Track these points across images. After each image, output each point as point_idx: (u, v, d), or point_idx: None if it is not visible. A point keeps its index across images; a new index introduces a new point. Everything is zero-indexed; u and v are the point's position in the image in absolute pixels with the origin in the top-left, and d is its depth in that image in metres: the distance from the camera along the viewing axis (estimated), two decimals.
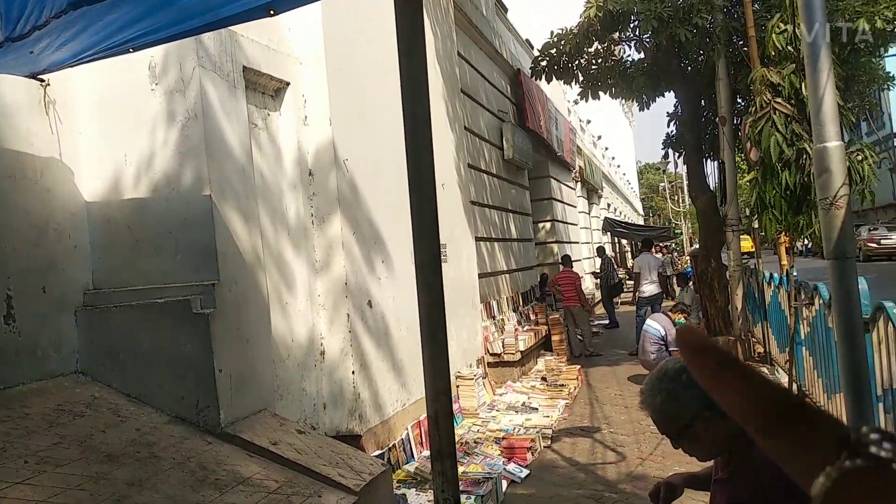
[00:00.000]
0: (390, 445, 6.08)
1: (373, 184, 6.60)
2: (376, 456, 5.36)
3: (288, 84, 5.81)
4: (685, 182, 37.77)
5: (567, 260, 13.52)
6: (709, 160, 12.22)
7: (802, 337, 7.03)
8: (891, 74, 12.36)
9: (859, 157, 5.95)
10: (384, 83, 7.21)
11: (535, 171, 15.13)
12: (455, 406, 7.69)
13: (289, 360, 5.68)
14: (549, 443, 6.82)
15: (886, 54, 10.32)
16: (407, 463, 6.20)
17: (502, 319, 10.69)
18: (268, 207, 5.57)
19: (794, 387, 7.04)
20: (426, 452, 6.46)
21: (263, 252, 5.17)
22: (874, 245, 25.97)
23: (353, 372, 5.81)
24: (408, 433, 6.46)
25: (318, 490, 4.03)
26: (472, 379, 7.89)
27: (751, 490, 2.03)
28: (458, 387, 7.91)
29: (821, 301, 6.05)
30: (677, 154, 13.81)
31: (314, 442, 4.73)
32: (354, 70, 6.56)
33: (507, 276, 11.78)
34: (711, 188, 11.53)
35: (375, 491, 4.43)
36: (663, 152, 13.88)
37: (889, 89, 13.62)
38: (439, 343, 1.02)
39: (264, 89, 5.73)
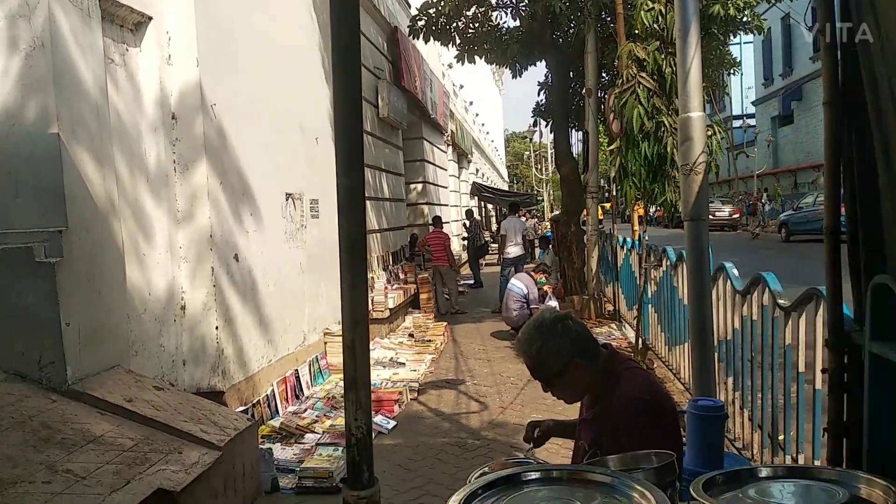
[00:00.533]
0: (254, 402, 5.92)
1: (244, 131, 6.25)
2: (240, 412, 5.20)
3: (150, 18, 5.31)
4: (550, 151, 39.45)
5: (437, 221, 13.74)
6: (574, 130, 12.82)
7: (650, 296, 7.67)
8: (737, 60, 13.55)
9: (709, 132, 6.49)
10: (258, 24, 6.79)
11: (408, 131, 15.07)
12: (322, 362, 7.61)
13: (145, 315, 5.32)
14: (416, 395, 7.00)
15: (733, 41, 11.26)
16: (272, 418, 6.08)
17: (372, 278, 10.68)
18: (125, 151, 5.11)
19: (640, 341, 7.69)
20: (292, 408, 6.38)
21: (119, 198, 4.74)
22: (710, 217, 28.88)
23: (216, 328, 5.56)
24: (273, 389, 6.32)
25: (178, 447, 3.84)
26: (341, 336, 7.84)
27: (613, 429, 2.21)
28: (325, 343, 7.83)
29: (668, 262, 6.60)
30: (546, 123, 14.35)
31: (173, 398, 4.49)
32: (226, 8, 6.11)
33: (379, 235, 11.75)
34: (575, 157, 12.13)
35: (241, 446, 4.30)
36: (532, 120, 14.35)
37: (733, 74, 14.92)
38: (358, 271, 0.98)
39: (123, 22, 5.19)
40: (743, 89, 44.66)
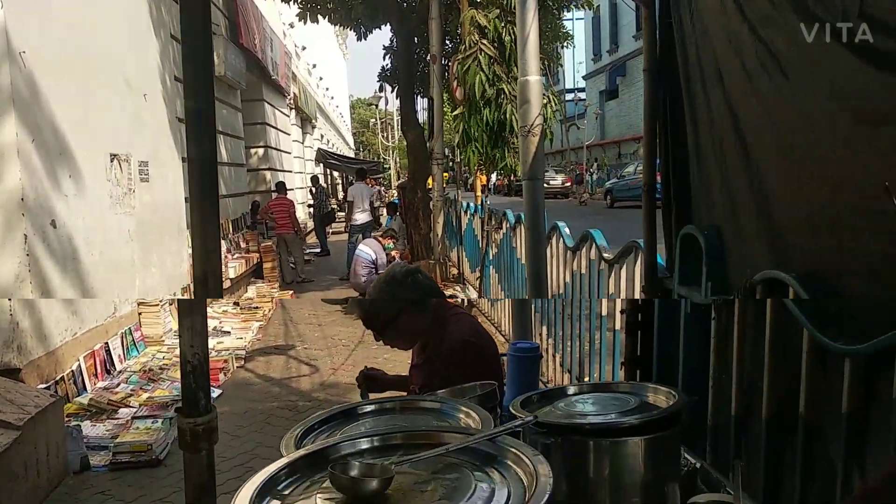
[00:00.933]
0: (58, 378, 5.39)
1: (60, 84, 5.59)
2: (42, 389, 4.76)
3: None
4: (396, 118, 39.44)
5: (281, 187, 13.29)
6: (420, 97, 12.93)
7: (491, 257, 8.04)
8: (570, 34, 14.34)
9: (544, 101, 6.86)
10: None
11: (248, 92, 14.32)
12: (137, 334, 7.12)
13: None
14: (243, 363, 6.85)
15: (566, 16, 11.86)
16: (79, 395, 5.60)
17: None
18: None
19: (481, 298, 8.07)
20: (102, 383, 5.92)
21: None
22: (545, 185, 30.79)
23: (9, 299, 4.97)
24: (80, 364, 5.79)
25: None
26: (157, 306, 7.41)
27: (443, 369, 2.32)
28: (140, 314, 7.33)
29: (507, 224, 6.95)
30: (391, 88, 14.30)
31: None
32: None
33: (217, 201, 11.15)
34: (421, 124, 12.25)
35: (43, 425, 3.97)
36: (378, 85, 14.25)
37: (566, 48, 15.78)
38: (211, 202, 0.94)
39: None
40: (574, 64, 47.48)
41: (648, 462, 1.29)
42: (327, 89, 37.08)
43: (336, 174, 33.51)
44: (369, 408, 1.34)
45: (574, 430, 1.28)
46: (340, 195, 30.55)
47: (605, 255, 4.08)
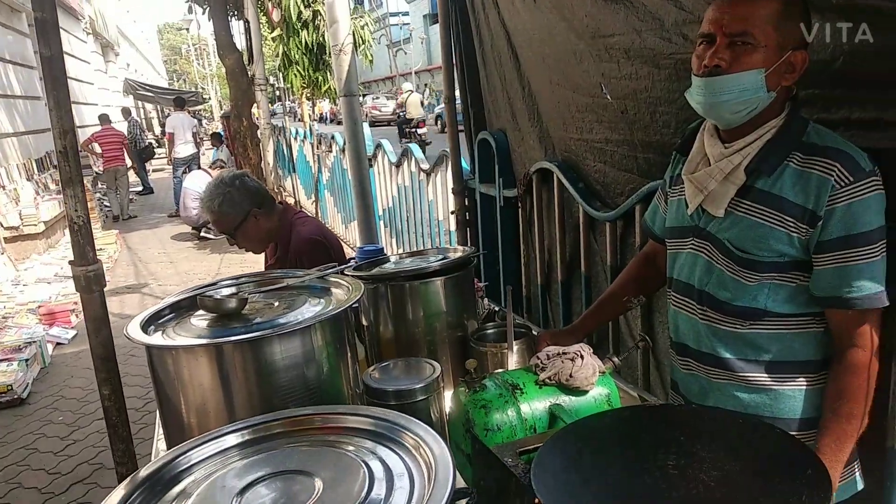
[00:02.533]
0: None
1: None
2: None
3: None
4: (211, 44, 36.60)
5: (105, 119, 12.29)
6: (235, 19, 12.34)
7: (324, 182, 8.26)
8: None
9: (361, 24, 7.04)
10: None
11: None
12: None
13: None
14: None
15: None
16: None
17: (15, 189, 9.29)
18: None
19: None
20: None
21: None
22: (377, 112, 30.70)
23: None
24: None
25: None
26: None
27: (294, 267, 2.63)
28: None
29: (337, 147, 7.19)
30: (202, 10, 13.46)
31: None
32: None
33: (15, 139, 10.11)
34: (239, 48, 11.78)
35: None
36: (187, 6, 13.32)
37: None
38: (63, 89, 1.13)
39: None
40: None
41: (449, 296, 1.74)
42: (128, 11, 33.50)
43: (149, 106, 30.88)
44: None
45: (394, 277, 1.70)
46: (158, 130, 28.33)
47: (423, 166, 4.53)
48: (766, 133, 1.28)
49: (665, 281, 1.70)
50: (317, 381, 1.19)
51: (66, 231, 9.93)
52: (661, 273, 1.66)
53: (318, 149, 8.01)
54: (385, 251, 2.41)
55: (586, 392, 1.26)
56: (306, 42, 7.02)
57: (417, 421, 0.88)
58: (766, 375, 1.34)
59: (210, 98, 37.12)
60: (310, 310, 1.28)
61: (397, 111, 25.16)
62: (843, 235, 1.20)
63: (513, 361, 1.59)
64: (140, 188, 15.34)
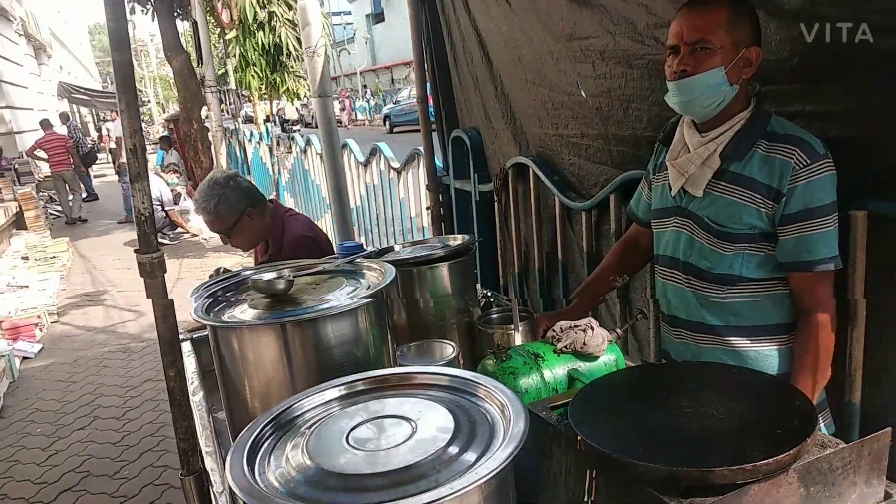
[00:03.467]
0: None
1: None
2: None
3: None
4: (151, 44, 35.49)
5: (47, 123, 12.11)
6: (180, 20, 12.14)
7: (284, 183, 8.27)
8: None
9: None
10: None
11: None
12: None
13: None
14: (58, 317, 6.52)
15: None
16: None
17: None
18: None
19: None
20: None
21: None
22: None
23: None
24: None
25: None
26: None
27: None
28: None
29: (297, 148, 7.23)
30: (143, 10, 13.16)
31: None
32: None
33: None
34: (186, 50, 11.60)
35: None
36: (130, 6, 12.99)
37: None
38: (132, 92, 1.22)
39: None
40: None
41: (453, 279, 1.90)
42: (59, 11, 32.24)
43: (84, 110, 29.83)
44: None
45: (403, 263, 1.85)
46: (94, 133, 27.41)
47: (394, 164, 4.66)
48: (736, 124, 1.52)
49: (646, 261, 1.93)
50: (365, 357, 1.33)
51: (12, 240, 9.62)
52: (643, 254, 1.89)
53: (277, 150, 8.02)
54: (362, 244, 2.55)
55: (598, 357, 1.45)
56: (263, 43, 7.02)
57: (483, 376, 1.04)
58: (746, 339, 1.58)
59: (149, 101, 36.08)
60: (348, 291, 1.42)
61: (278, 113, 27.67)
62: (803, 209, 1.44)
63: (518, 340, 1.76)
64: (85, 194, 14.90)
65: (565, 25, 2.36)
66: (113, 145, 12.41)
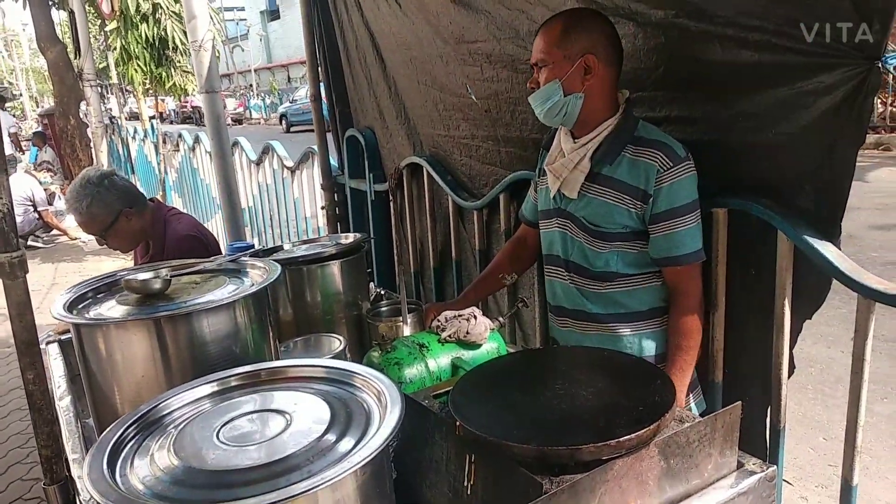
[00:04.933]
0: None
1: None
2: None
3: None
4: (23, 34, 32.78)
5: None
6: (55, 8, 11.30)
7: (171, 182, 7.88)
8: None
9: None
10: None
11: None
12: None
13: None
14: None
15: None
16: None
17: None
18: None
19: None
20: None
21: None
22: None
23: None
24: None
25: None
26: None
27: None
28: None
29: (185, 146, 6.91)
30: None
31: None
32: None
33: None
34: (62, 40, 10.81)
35: None
36: None
37: None
38: None
39: None
40: None
41: (345, 278, 1.88)
42: None
43: None
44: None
45: (293, 262, 1.80)
46: None
47: (287, 164, 4.56)
48: (605, 130, 1.62)
49: (533, 260, 2.01)
50: (244, 353, 1.30)
51: None
52: (531, 253, 1.98)
53: (163, 148, 7.63)
54: (253, 244, 2.47)
55: (480, 345, 1.48)
56: (147, 36, 6.67)
57: (361, 365, 1.04)
58: (625, 324, 1.69)
59: (21, 94, 33.30)
60: (230, 289, 1.38)
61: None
62: (668, 209, 1.56)
63: (407, 331, 1.78)
64: None
65: (454, 29, 2.41)
66: None
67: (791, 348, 1.66)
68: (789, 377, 1.67)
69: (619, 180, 1.58)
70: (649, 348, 1.70)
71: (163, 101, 24.41)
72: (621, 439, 0.99)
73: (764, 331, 1.67)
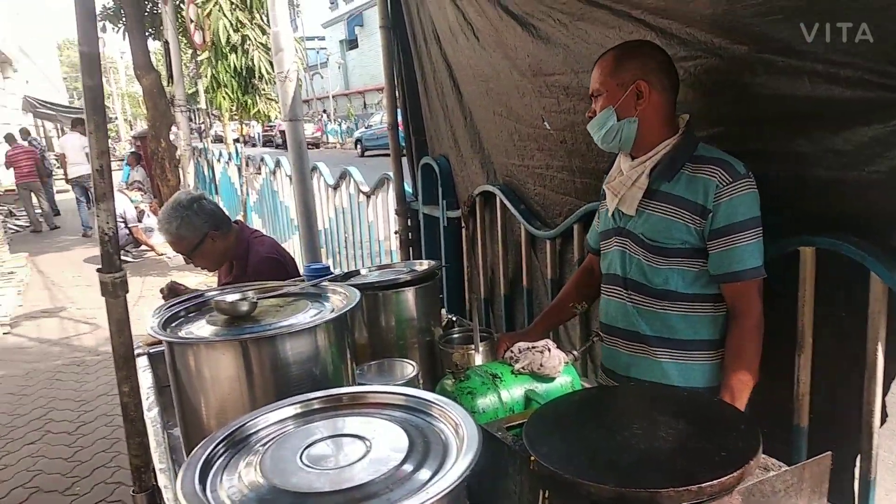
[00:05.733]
0: None
1: None
2: None
3: None
4: (121, 62, 35.16)
5: (11, 138, 12.28)
6: (151, 39, 12.08)
7: (252, 204, 8.21)
8: None
9: None
10: None
11: None
12: None
13: None
14: (10, 328, 6.34)
15: None
16: None
17: None
18: None
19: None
20: None
21: None
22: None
23: None
24: None
25: None
26: None
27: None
28: None
29: (267, 170, 7.21)
30: (115, 28, 13.09)
31: None
32: None
33: None
34: (156, 68, 11.52)
35: None
36: (101, 25, 12.92)
37: None
38: (101, 114, 1.22)
39: None
40: (314, 11, 46.71)
41: (418, 304, 1.91)
42: (27, 26, 31.77)
43: (49, 125, 29.29)
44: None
45: (369, 287, 1.85)
46: (56, 147, 26.90)
47: (363, 189, 4.68)
48: (664, 148, 1.65)
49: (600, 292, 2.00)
50: (323, 376, 1.34)
51: None
52: (599, 281, 1.95)
53: (245, 171, 7.98)
54: (328, 266, 2.54)
55: (554, 379, 1.47)
56: (235, 65, 7.04)
57: (438, 395, 1.05)
58: (674, 351, 1.68)
59: (116, 117, 35.61)
60: (311, 314, 1.43)
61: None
62: (728, 224, 1.56)
63: (479, 361, 1.78)
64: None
65: (531, 62, 2.43)
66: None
67: (884, 395, 1.57)
68: (882, 425, 1.58)
69: (678, 196, 1.61)
70: (695, 380, 1.68)
71: (248, 125, 25.53)
72: (703, 485, 0.96)
73: (854, 376, 1.58)
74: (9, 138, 12.54)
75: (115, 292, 1.24)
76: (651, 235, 1.65)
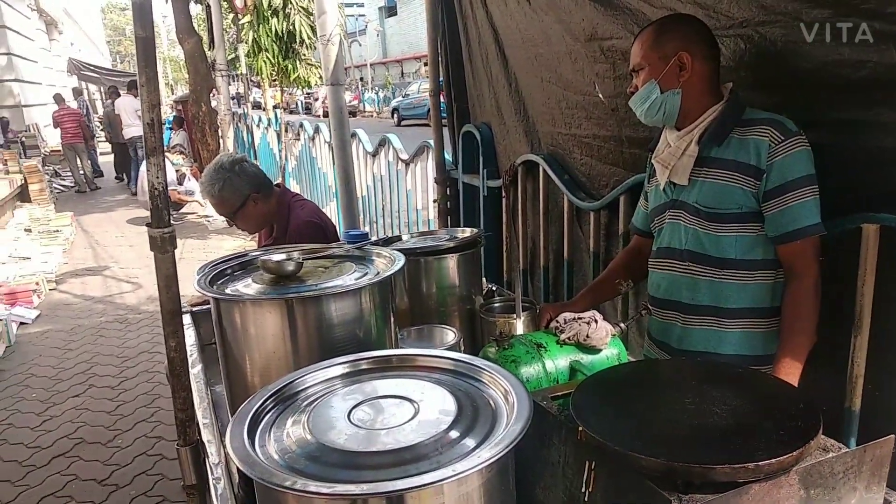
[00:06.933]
0: None
1: None
2: None
3: None
4: (163, 26, 35.48)
5: (60, 98, 12.54)
6: (193, 2, 12.09)
7: (290, 170, 8.26)
8: None
9: None
10: None
11: None
12: None
13: None
14: (56, 285, 6.55)
15: None
16: None
17: None
18: None
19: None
20: None
21: None
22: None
23: None
24: None
25: None
26: None
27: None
28: None
29: (306, 135, 7.22)
30: None
31: None
32: None
33: None
34: (198, 32, 11.57)
35: None
36: None
37: None
38: (153, 67, 1.22)
39: None
40: None
41: (460, 272, 1.90)
42: None
43: (93, 88, 29.79)
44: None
45: (411, 253, 1.84)
46: (100, 109, 27.40)
47: (402, 156, 4.66)
48: (710, 115, 1.61)
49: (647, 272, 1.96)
50: (367, 338, 1.33)
51: (16, 212, 9.62)
52: (646, 263, 1.91)
53: (285, 137, 8.01)
54: (367, 232, 2.53)
55: (600, 351, 1.44)
56: (276, 30, 7.02)
57: (487, 361, 1.03)
58: (731, 320, 1.64)
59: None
60: (356, 276, 1.42)
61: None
62: (782, 183, 1.51)
63: (520, 329, 1.76)
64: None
65: (586, 25, 2.35)
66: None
67: None
68: None
69: (729, 159, 1.57)
70: (752, 348, 1.64)
71: (290, 93, 25.57)
72: (760, 463, 0.93)
73: None
74: (57, 98, 12.83)
75: (163, 247, 1.25)
76: (706, 203, 1.62)
